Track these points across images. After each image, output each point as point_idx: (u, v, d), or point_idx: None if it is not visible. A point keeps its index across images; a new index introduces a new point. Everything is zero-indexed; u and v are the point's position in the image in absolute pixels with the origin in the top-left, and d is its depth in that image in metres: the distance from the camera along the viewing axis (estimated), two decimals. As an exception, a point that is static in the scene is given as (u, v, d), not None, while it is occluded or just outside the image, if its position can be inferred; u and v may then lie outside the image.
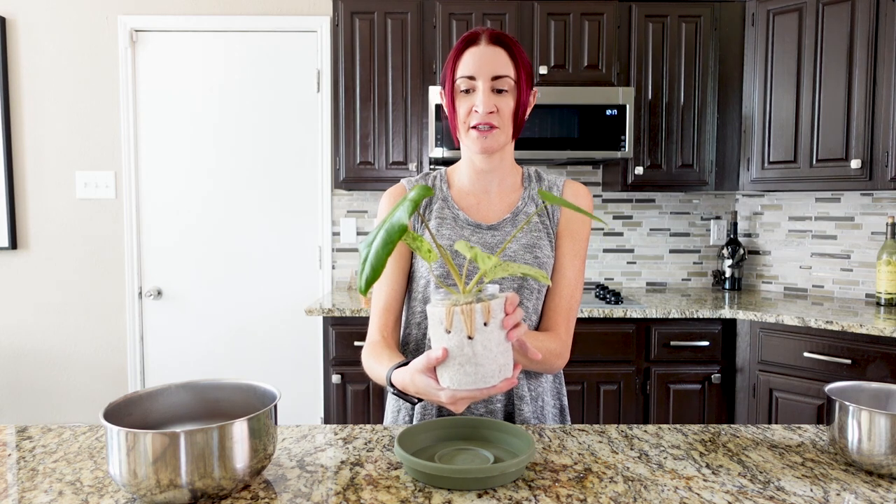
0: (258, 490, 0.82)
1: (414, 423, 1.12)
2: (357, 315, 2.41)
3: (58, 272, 3.01)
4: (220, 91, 2.98)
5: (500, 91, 1.06)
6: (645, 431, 1.04)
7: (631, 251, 3.11)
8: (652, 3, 2.70)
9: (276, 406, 0.84)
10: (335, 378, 2.45)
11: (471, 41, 1.06)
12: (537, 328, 1.15)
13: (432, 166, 2.77)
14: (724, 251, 2.98)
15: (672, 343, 2.46)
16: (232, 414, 0.93)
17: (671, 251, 3.11)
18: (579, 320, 2.43)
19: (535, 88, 1.13)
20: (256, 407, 0.92)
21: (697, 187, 2.76)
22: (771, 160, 2.63)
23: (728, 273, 2.98)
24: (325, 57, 2.96)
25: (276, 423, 0.85)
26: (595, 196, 3.09)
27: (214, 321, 3.03)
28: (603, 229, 3.09)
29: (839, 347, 2.22)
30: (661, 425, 1.08)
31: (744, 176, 2.73)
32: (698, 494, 0.81)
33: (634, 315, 2.42)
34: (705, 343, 2.46)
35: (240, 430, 0.77)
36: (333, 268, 3.05)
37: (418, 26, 2.65)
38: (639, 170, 2.72)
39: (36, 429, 1.05)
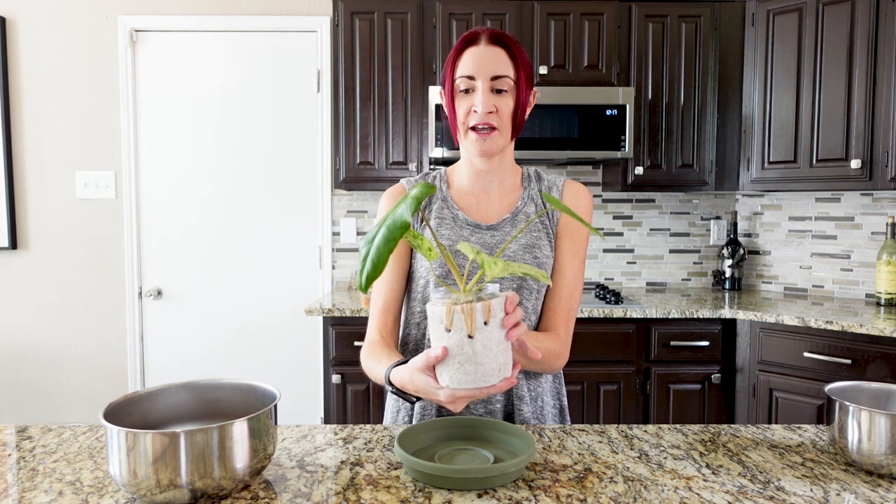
0: (258, 490, 0.82)
1: (413, 423, 1.12)
2: (357, 315, 2.41)
3: (58, 272, 3.01)
4: (220, 91, 2.98)
5: (499, 91, 1.05)
6: (645, 431, 1.04)
7: (631, 251, 3.11)
8: (652, 3, 2.70)
9: (276, 406, 0.84)
10: (335, 378, 2.45)
11: (470, 41, 1.06)
12: (537, 328, 1.15)
13: (432, 166, 2.77)
14: (724, 251, 2.98)
15: (672, 343, 2.46)
16: (232, 414, 0.93)
17: (671, 251, 3.11)
18: (579, 320, 2.43)
19: (534, 88, 1.13)
20: (256, 407, 0.92)
21: (697, 187, 2.76)
22: (771, 160, 2.64)
23: (728, 273, 2.98)
24: (325, 57, 2.96)
25: (276, 423, 0.85)
26: (595, 196, 3.09)
27: (214, 321, 3.03)
28: (602, 229, 3.09)
29: (839, 347, 2.22)
30: (661, 425, 1.08)
31: (744, 176, 2.73)
32: (698, 494, 0.81)
33: (634, 315, 2.42)
34: (705, 343, 2.46)
35: (240, 430, 0.77)
36: (333, 268, 3.05)
37: (418, 26, 2.65)
38: (639, 170, 2.72)
39: (36, 429, 1.05)
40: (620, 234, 3.10)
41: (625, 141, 2.58)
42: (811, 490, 0.82)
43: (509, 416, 1.14)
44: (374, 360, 1.04)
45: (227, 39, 2.96)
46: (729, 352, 2.50)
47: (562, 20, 2.64)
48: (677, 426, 1.07)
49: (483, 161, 1.12)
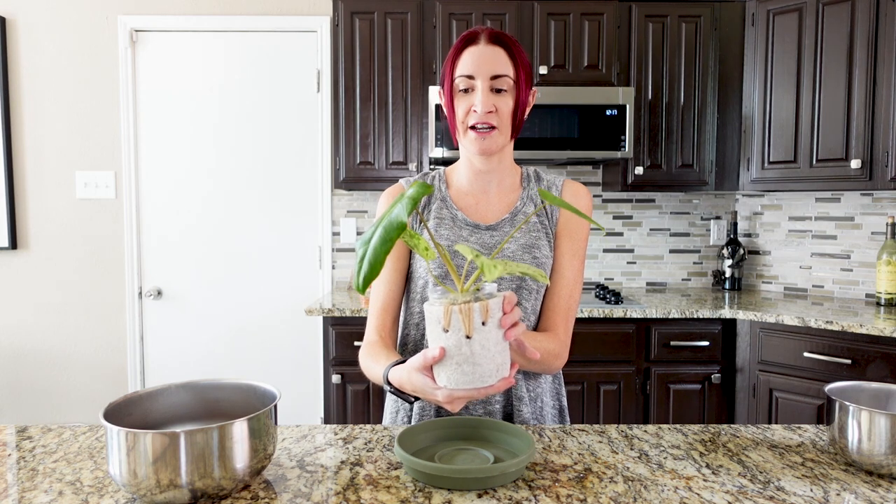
0: (258, 490, 0.82)
1: (413, 423, 1.12)
2: (357, 315, 2.41)
3: (58, 272, 3.01)
4: (220, 91, 2.98)
5: (499, 91, 1.05)
6: (645, 431, 1.04)
7: (631, 251, 3.11)
8: (652, 3, 2.70)
9: (276, 406, 0.84)
10: (335, 378, 2.45)
11: (470, 40, 1.06)
12: (536, 329, 1.15)
13: (432, 166, 2.77)
14: (724, 251, 2.98)
15: (672, 343, 2.46)
16: (232, 414, 0.93)
17: (671, 251, 3.11)
18: (579, 320, 2.43)
19: (534, 88, 1.13)
20: (256, 407, 0.92)
21: (697, 187, 2.76)
22: (771, 160, 2.64)
23: (728, 273, 2.98)
24: (325, 57, 2.96)
25: (276, 423, 0.85)
26: (595, 196, 3.09)
27: (214, 321, 3.03)
28: (602, 230, 3.09)
29: (839, 347, 2.22)
30: (661, 425, 1.08)
31: (744, 176, 2.73)
32: (698, 494, 0.81)
33: (634, 315, 2.42)
34: (705, 343, 2.46)
35: (240, 430, 0.77)
36: (333, 268, 3.05)
37: (418, 26, 2.65)
38: (639, 170, 2.72)
39: (36, 429, 1.05)
40: (620, 234, 3.10)
41: (625, 141, 2.58)
42: (811, 490, 0.82)
43: (508, 416, 1.14)
44: (373, 361, 1.04)
45: (227, 39, 2.96)
46: (729, 352, 2.50)
47: (562, 20, 2.64)
48: (677, 426, 1.07)
49: (482, 160, 1.12)
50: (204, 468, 0.75)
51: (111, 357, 3.04)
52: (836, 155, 2.48)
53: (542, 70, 2.64)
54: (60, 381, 3.05)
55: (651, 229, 3.10)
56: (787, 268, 2.95)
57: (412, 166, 2.69)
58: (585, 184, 3.07)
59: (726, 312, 2.44)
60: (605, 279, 3.12)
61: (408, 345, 1.18)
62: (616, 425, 1.09)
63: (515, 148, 2.53)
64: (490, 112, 1.05)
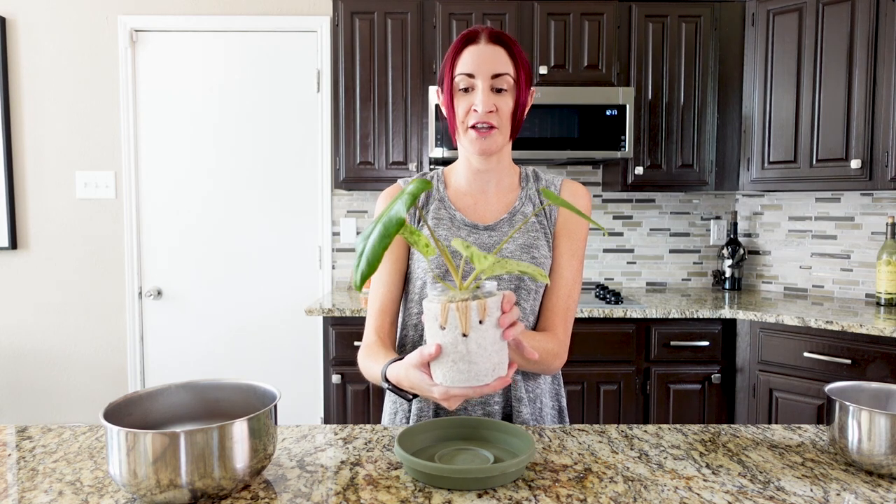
0: (258, 490, 0.82)
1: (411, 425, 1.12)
2: (357, 315, 2.41)
3: (58, 272, 3.01)
4: (220, 91, 2.98)
5: (499, 90, 1.05)
6: (645, 431, 1.04)
7: (631, 251, 3.11)
8: (652, 3, 2.70)
9: (276, 406, 0.84)
10: (335, 378, 2.45)
11: (470, 39, 1.05)
12: (535, 329, 1.15)
13: (432, 166, 2.77)
14: (724, 251, 2.98)
15: (672, 343, 2.46)
16: (232, 414, 0.93)
17: (671, 251, 3.11)
18: (579, 320, 2.43)
19: (532, 88, 1.12)
20: (256, 407, 0.92)
21: (697, 187, 2.76)
22: (771, 160, 2.64)
23: (728, 273, 2.98)
24: (325, 57, 2.96)
25: (276, 423, 0.85)
26: (595, 196, 3.09)
27: (214, 321, 3.03)
28: (604, 232, 3.09)
29: (839, 347, 2.22)
30: (661, 425, 1.08)
31: (744, 176, 2.73)
32: (698, 494, 0.81)
33: (634, 315, 2.42)
34: (705, 343, 2.46)
35: (240, 430, 0.77)
36: (333, 268, 3.05)
37: (418, 26, 2.65)
38: (639, 170, 2.72)
39: (36, 429, 1.05)
40: (620, 234, 3.10)
41: (625, 141, 2.58)
42: (811, 490, 0.82)
43: (508, 417, 1.14)
44: (372, 360, 1.05)
45: (227, 39, 2.96)
46: (729, 352, 2.50)
47: (562, 20, 2.64)
48: (677, 426, 1.07)
49: (481, 160, 1.12)
50: (204, 468, 0.75)
51: (111, 357, 3.04)
52: (836, 155, 2.48)
53: (542, 70, 2.64)
54: (60, 381, 3.05)
55: (651, 229, 3.10)
56: (787, 268, 2.95)
57: (412, 166, 2.69)
58: (585, 184, 3.07)
59: (726, 312, 2.44)
60: (605, 279, 3.12)
61: (406, 346, 1.18)
62: (616, 425, 1.09)
63: (516, 148, 2.54)
64: (491, 112, 1.04)
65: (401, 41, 2.65)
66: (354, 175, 2.70)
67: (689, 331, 2.47)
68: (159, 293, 3.02)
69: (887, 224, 2.55)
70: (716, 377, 2.47)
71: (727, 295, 2.85)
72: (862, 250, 2.75)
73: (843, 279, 2.80)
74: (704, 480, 0.85)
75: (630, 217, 3.10)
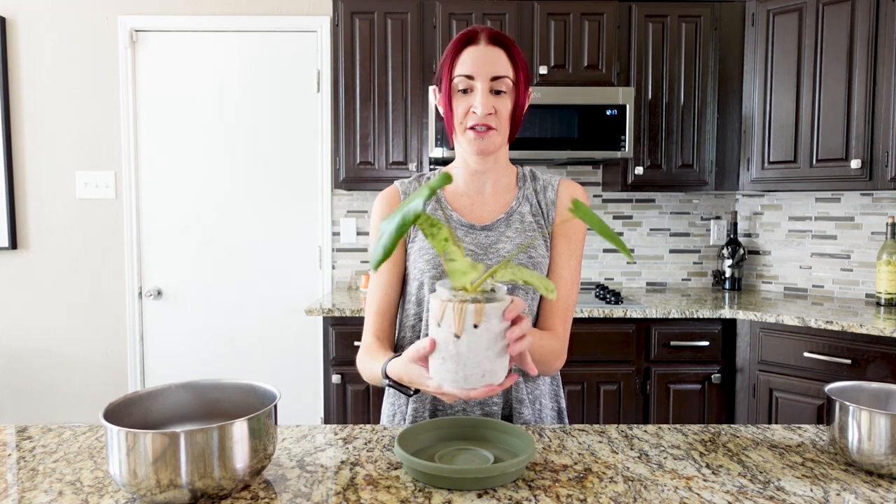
0: (258, 490, 0.82)
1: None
2: (357, 315, 2.41)
3: (58, 272, 3.01)
4: (220, 91, 2.98)
5: (498, 92, 1.04)
6: (645, 431, 1.04)
7: (631, 251, 3.11)
8: (652, 3, 2.70)
9: (276, 406, 0.84)
10: (335, 378, 2.45)
11: (469, 40, 1.05)
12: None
13: (432, 166, 2.77)
14: (724, 251, 2.98)
15: (672, 343, 2.46)
16: (232, 414, 0.93)
17: (671, 251, 3.11)
18: (579, 320, 2.43)
19: (530, 89, 1.12)
20: (256, 407, 0.92)
21: (697, 187, 2.76)
22: (771, 160, 2.64)
23: (728, 273, 2.98)
24: (325, 57, 2.96)
25: (276, 423, 0.85)
26: (595, 196, 3.09)
27: (214, 321, 3.03)
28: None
29: (839, 347, 2.22)
30: (661, 425, 1.08)
31: (744, 176, 2.73)
32: (698, 494, 0.81)
33: (634, 315, 2.42)
34: (705, 343, 2.46)
35: (240, 430, 0.77)
36: (333, 268, 3.05)
37: (418, 26, 2.65)
38: (639, 170, 2.72)
39: (36, 429, 1.05)
40: (620, 234, 3.10)
41: (625, 141, 2.58)
42: (811, 490, 0.82)
43: (507, 418, 1.13)
44: (371, 359, 1.05)
45: (227, 39, 2.96)
46: (729, 352, 2.50)
47: (562, 20, 2.64)
48: (677, 426, 1.07)
49: (479, 161, 1.12)
50: (204, 468, 0.75)
51: (111, 357, 3.04)
52: (836, 155, 2.48)
53: (542, 70, 2.64)
54: (60, 381, 3.05)
55: (651, 229, 3.10)
56: (787, 268, 2.95)
57: (412, 166, 2.69)
58: (585, 184, 3.07)
59: (726, 312, 2.44)
60: (605, 279, 3.12)
61: (403, 347, 1.18)
62: (616, 425, 1.09)
63: (516, 148, 2.54)
64: (489, 114, 1.04)
65: (401, 41, 2.65)
66: (354, 175, 2.70)
67: (689, 331, 2.47)
68: (159, 293, 3.03)
69: (887, 224, 2.55)
70: (716, 377, 2.47)
71: (727, 295, 2.85)
72: (862, 250, 2.75)
73: (843, 279, 2.80)
74: (704, 480, 0.85)
75: (630, 217, 3.10)
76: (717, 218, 3.10)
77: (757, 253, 3.04)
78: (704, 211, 3.10)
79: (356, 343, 2.45)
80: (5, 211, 2.95)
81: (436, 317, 0.77)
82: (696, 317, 2.43)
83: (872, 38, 2.38)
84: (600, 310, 2.41)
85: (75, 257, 3.01)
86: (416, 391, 0.98)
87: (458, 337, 0.75)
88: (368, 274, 2.79)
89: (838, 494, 0.81)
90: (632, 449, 0.96)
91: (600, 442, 0.99)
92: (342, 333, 2.45)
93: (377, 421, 2.48)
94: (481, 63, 1.03)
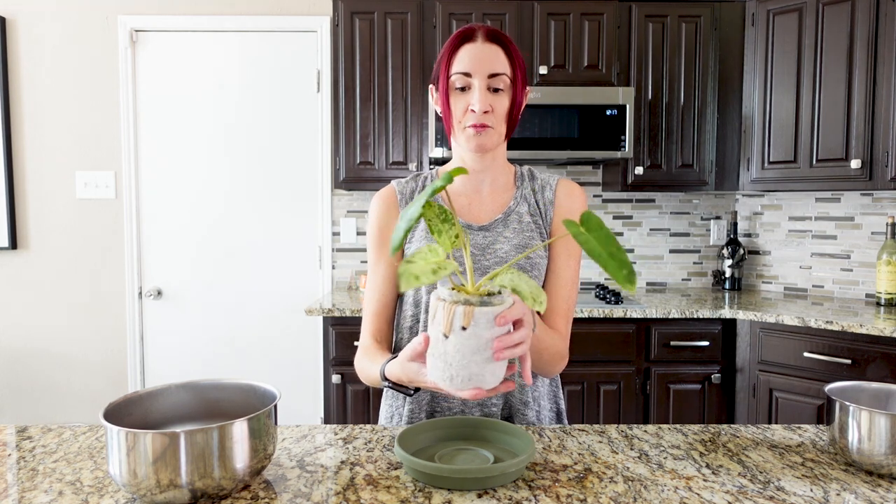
0: (258, 490, 0.82)
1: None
2: (357, 315, 2.41)
3: (58, 272, 3.01)
4: (220, 91, 2.98)
5: (496, 90, 1.04)
6: (645, 431, 1.04)
7: (631, 251, 3.11)
8: (652, 3, 2.70)
9: (276, 406, 0.84)
10: (335, 378, 2.45)
11: (466, 37, 1.04)
12: None
13: (432, 167, 2.77)
14: (724, 251, 2.98)
15: (672, 343, 2.46)
16: (232, 414, 0.93)
17: (671, 251, 3.11)
18: (580, 320, 2.43)
19: (527, 87, 1.11)
20: (256, 407, 0.92)
21: (697, 187, 2.76)
22: (771, 160, 2.64)
23: (728, 273, 2.98)
24: (325, 57, 2.96)
25: (276, 423, 0.85)
26: (595, 196, 3.09)
27: (214, 321, 3.03)
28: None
29: (839, 347, 2.22)
30: (661, 425, 1.08)
31: (744, 176, 2.73)
32: (698, 494, 0.81)
33: (634, 315, 2.42)
34: (705, 343, 2.46)
35: (240, 430, 0.77)
36: (333, 268, 3.05)
37: (418, 26, 2.65)
38: (639, 170, 2.72)
39: (36, 429, 1.05)
40: (620, 234, 3.10)
41: (625, 141, 2.58)
42: (811, 490, 0.82)
43: (506, 419, 1.13)
44: (369, 360, 1.05)
45: (227, 39, 2.96)
46: (729, 352, 2.50)
47: (562, 20, 2.64)
48: (677, 426, 1.07)
49: (476, 159, 1.11)
50: (204, 468, 0.75)
51: (111, 357, 3.04)
52: (836, 155, 2.48)
53: (542, 70, 2.64)
54: (60, 381, 3.05)
55: (651, 229, 3.10)
56: (787, 268, 2.95)
57: (412, 166, 2.69)
58: (585, 184, 3.07)
59: (726, 312, 2.44)
60: (605, 279, 3.12)
61: (401, 349, 1.17)
62: (616, 425, 1.09)
63: (517, 148, 2.54)
64: (487, 112, 1.03)
65: (401, 41, 2.65)
66: (354, 175, 2.70)
67: (689, 331, 2.47)
68: (159, 293, 3.02)
69: (887, 224, 2.55)
70: (716, 377, 2.47)
71: (727, 295, 2.85)
72: (862, 250, 2.75)
73: (843, 279, 2.80)
74: (704, 480, 0.85)
75: (630, 217, 3.10)
76: (717, 218, 3.10)
77: (757, 253, 3.04)
78: (704, 211, 3.10)
79: (356, 343, 2.45)
80: (5, 211, 2.95)
81: (431, 313, 0.77)
82: (696, 317, 2.43)
83: (872, 38, 2.38)
84: (600, 310, 2.41)
85: (75, 257, 3.01)
86: (416, 390, 0.98)
87: (446, 337, 0.75)
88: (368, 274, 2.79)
89: (838, 494, 0.81)
90: (632, 449, 0.96)
91: (600, 442, 0.99)
92: (342, 333, 2.45)
93: (377, 421, 2.48)
94: (478, 60, 1.02)
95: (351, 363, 2.46)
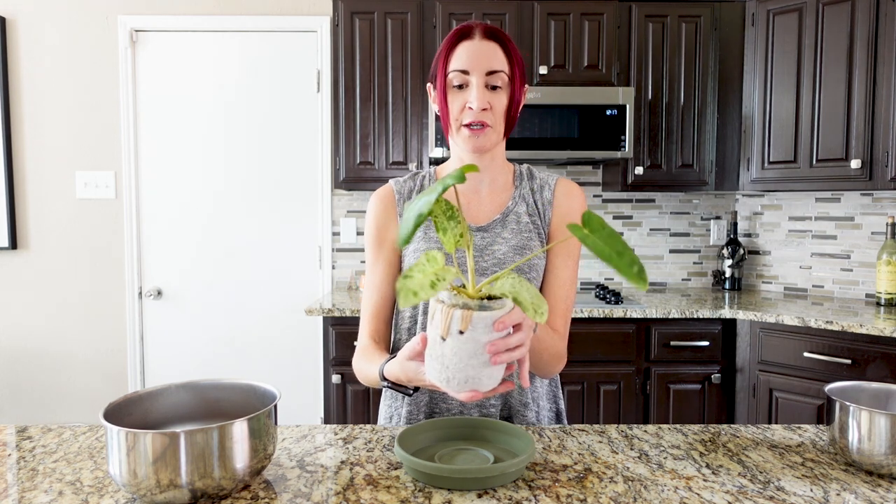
0: (258, 490, 0.82)
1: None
2: (357, 315, 2.41)
3: (58, 272, 3.01)
4: (220, 91, 2.98)
5: (493, 87, 1.03)
6: (645, 431, 1.04)
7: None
8: (652, 3, 2.70)
9: (276, 406, 0.84)
10: (335, 378, 2.45)
11: (464, 35, 1.03)
12: None
13: (431, 167, 2.77)
14: (724, 251, 2.98)
15: (672, 343, 2.46)
16: (232, 414, 0.93)
17: (671, 251, 3.11)
18: (580, 320, 2.43)
19: (526, 85, 1.10)
20: (256, 407, 0.92)
21: (697, 187, 2.76)
22: (771, 160, 2.63)
23: (728, 273, 2.98)
24: (325, 57, 2.96)
25: (276, 423, 0.85)
26: (595, 196, 3.09)
27: (214, 321, 3.03)
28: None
29: (839, 347, 2.22)
30: (661, 425, 1.08)
31: (744, 176, 2.73)
32: (698, 494, 0.81)
33: (634, 315, 2.42)
34: (705, 343, 2.46)
35: (240, 430, 0.77)
36: (333, 268, 3.05)
37: (418, 26, 2.65)
38: (639, 170, 2.72)
39: (36, 429, 1.05)
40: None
41: (625, 141, 2.58)
42: (811, 490, 0.82)
43: (506, 420, 1.13)
44: (367, 361, 1.05)
45: (227, 39, 2.96)
46: (729, 352, 2.50)
47: (562, 20, 2.64)
48: (677, 426, 1.07)
49: (475, 158, 1.10)
50: (204, 468, 0.75)
51: (111, 357, 3.04)
52: (836, 155, 2.48)
53: (542, 70, 2.64)
54: (60, 381, 3.05)
55: (651, 229, 3.10)
56: (787, 268, 2.95)
57: (412, 166, 2.69)
58: (585, 184, 3.07)
59: (726, 312, 2.44)
60: (605, 279, 3.12)
61: (399, 349, 1.17)
62: (616, 425, 1.09)
63: (517, 148, 2.54)
64: (485, 110, 1.02)
65: (401, 41, 2.65)
66: (354, 175, 2.70)
67: (689, 331, 2.47)
68: (159, 293, 3.03)
69: (887, 224, 2.55)
70: (716, 377, 2.47)
71: (727, 295, 2.85)
72: (862, 250, 2.75)
73: (843, 279, 2.80)
74: (704, 480, 0.85)
75: (630, 217, 3.10)
76: (717, 218, 3.10)
77: (757, 253, 3.04)
78: (704, 211, 3.10)
79: (356, 343, 2.44)
80: (5, 211, 2.95)
81: (430, 314, 0.77)
82: (696, 317, 2.43)
83: (872, 38, 2.38)
84: (600, 310, 2.41)
85: (75, 257, 3.01)
86: (416, 390, 0.98)
87: (443, 339, 0.74)
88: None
89: (838, 494, 0.81)
90: (632, 449, 0.96)
91: (600, 442, 0.99)
92: (342, 333, 2.45)
93: (377, 421, 2.48)
94: (476, 57, 1.02)
95: (351, 363, 2.46)
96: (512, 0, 2.63)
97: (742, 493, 0.81)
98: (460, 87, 1.04)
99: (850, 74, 2.43)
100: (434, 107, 1.11)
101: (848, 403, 0.87)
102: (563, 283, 1.12)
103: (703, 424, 1.09)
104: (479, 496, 0.79)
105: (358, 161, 2.69)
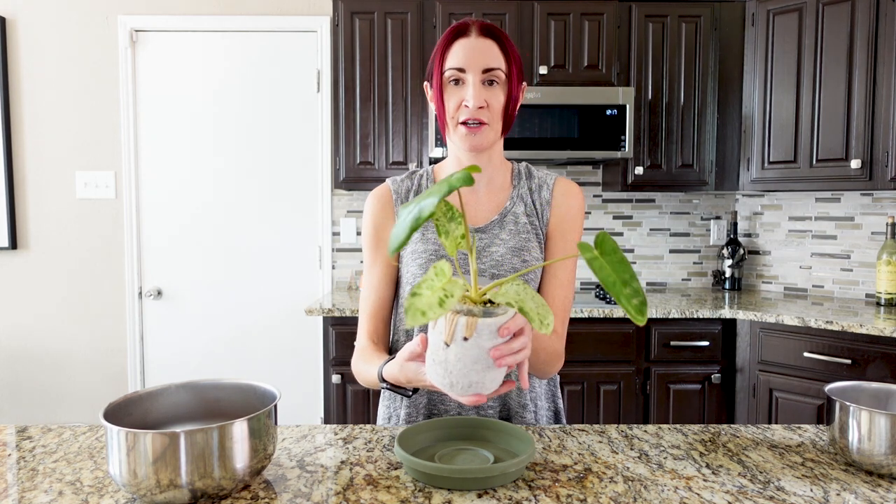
0: (258, 490, 0.82)
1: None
2: (357, 315, 2.41)
3: (58, 272, 3.01)
4: (221, 91, 2.98)
5: (490, 84, 1.02)
6: (645, 431, 1.04)
7: (631, 251, 3.11)
8: (652, 3, 2.70)
9: (276, 406, 0.84)
10: (335, 378, 2.45)
11: (460, 32, 1.02)
12: None
13: (429, 166, 2.77)
14: (724, 251, 2.98)
15: (672, 343, 2.46)
16: (232, 414, 0.93)
17: (671, 251, 3.11)
18: (580, 320, 2.43)
19: (524, 83, 1.09)
20: (256, 407, 0.92)
21: (697, 187, 2.76)
22: (771, 160, 2.64)
23: (728, 273, 2.98)
24: (325, 57, 2.96)
25: (276, 423, 0.85)
26: (595, 196, 3.09)
27: (214, 321, 3.03)
28: (603, 230, 3.09)
29: (839, 347, 2.22)
30: (661, 425, 1.08)
31: (744, 176, 2.73)
32: (698, 494, 0.81)
33: (634, 315, 2.41)
34: (705, 343, 2.46)
35: (240, 430, 0.77)
36: (333, 268, 3.05)
37: (418, 26, 2.65)
38: (639, 170, 2.72)
39: (36, 429, 1.05)
40: (620, 234, 3.10)
41: (625, 141, 2.58)
42: (811, 490, 0.82)
43: (504, 419, 1.13)
44: (366, 362, 1.04)
45: (227, 39, 2.96)
46: (729, 352, 2.50)
47: (562, 20, 2.64)
48: (677, 426, 1.07)
49: (472, 157, 1.09)
50: (204, 468, 0.75)
51: (111, 357, 3.04)
52: (836, 155, 2.48)
53: (542, 70, 2.64)
54: (60, 381, 3.05)
55: (651, 229, 3.10)
56: (787, 268, 2.95)
57: (412, 166, 2.69)
58: (585, 184, 3.07)
59: (726, 312, 2.44)
60: (605, 279, 3.11)
61: (398, 350, 1.17)
62: (616, 425, 1.09)
63: (516, 148, 2.54)
64: (482, 108, 1.01)
65: (401, 41, 2.65)
66: (354, 175, 2.70)
67: (689, 331, 2.47)
68: (159, 293, 3.02)
69: (887, 224, 2.55)
70: (716, 377, 2.47)
71: (727, 295, 2.85)
72: (862, 250, 2.75)
73: (843, 279, 2.80)
74: (704, 480, 0.85)
75: (630, 217, 3.10)
76: (717, 218, 3.10)
77: (757, 253, 3.04)
78: (704, 211, 3.10)
79: (355, 343, 2.45)
80: (5, 211, 2.95)
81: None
82: (696, 317, 2.43)
83: (872, 38, 2.38)
84: (600, 310, 2.41)
85: (75, 257, 3.01)
86: (415, 391, 0.98)
87: (447, 345, 0.74)
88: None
89: (838, 494, 0.81)
90: (632, 449, 0.96)
91: (600, 442, 0.99)
92: (342, 333, 2.45)
93: (376, 421, 2.48)
94: (472, 55, 1.01)
95: (350, 363, 2.46)
96: (512, 0, 2.63)
97: (742, 493, 0.81)
98: (457, 83, 1.03)
99: (850, 74, 2.43)
100: (431, 104, 1.10)
101: (848, 403, 0.87)
102: (561, 284, 1.11)
103: (703, 424, 1.09)
104: (479, 496, 0.79)
105: (358, 161, 2.69)
